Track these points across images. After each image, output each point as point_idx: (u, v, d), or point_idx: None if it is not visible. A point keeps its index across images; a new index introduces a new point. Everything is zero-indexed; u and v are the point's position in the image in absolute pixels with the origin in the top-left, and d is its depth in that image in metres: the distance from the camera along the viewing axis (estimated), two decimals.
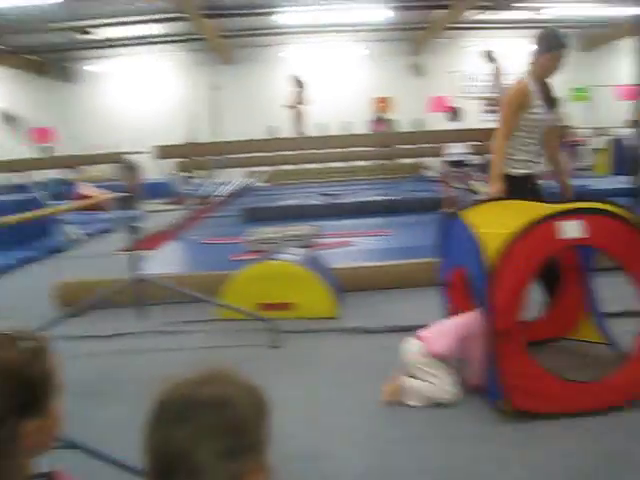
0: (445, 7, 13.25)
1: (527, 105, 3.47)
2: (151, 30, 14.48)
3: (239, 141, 8.61)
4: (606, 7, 13.53)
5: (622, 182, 8.40)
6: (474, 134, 8.54)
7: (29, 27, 12.51)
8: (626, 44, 12.42)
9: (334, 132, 13.43)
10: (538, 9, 13.90)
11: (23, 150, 12.35)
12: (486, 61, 10.95)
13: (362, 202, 9.35)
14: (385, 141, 10.16)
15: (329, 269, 4.51)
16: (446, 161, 8.45)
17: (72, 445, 2.10)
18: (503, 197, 3.43)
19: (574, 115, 13.30)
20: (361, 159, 12.54)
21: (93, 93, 16.69)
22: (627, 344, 2.81)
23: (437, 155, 8.82)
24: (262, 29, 15.15)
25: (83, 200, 9.41)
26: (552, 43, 3.43)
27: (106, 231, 8.64)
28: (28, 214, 6.68)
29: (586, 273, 3.22)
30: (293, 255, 4.38)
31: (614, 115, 14.04)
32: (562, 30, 3.56)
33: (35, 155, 12.31)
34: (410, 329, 2.98)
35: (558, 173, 3.90)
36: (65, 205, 8.24)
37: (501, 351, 2.44)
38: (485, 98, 13.86)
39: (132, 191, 10.33)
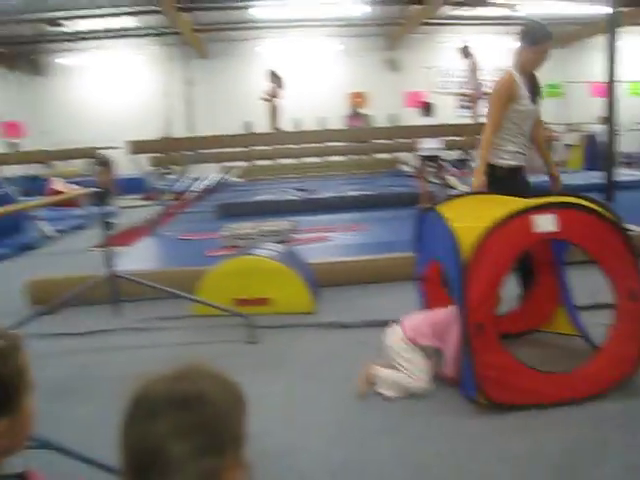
0: (421, 2, 13.30)
1: (515, 96, 3.50)
2: (124, 23, 14.28)
3: (214, 136, 8.53)
4: (579, 5, 13.71)
5: (594, 177, 8.56)
6: (450, 129, 8.60)
7: None
8: (598, 41, 12.60)
9: (310, 127, 13.41)
10: (513, 6, 14.04)
11: None
12: (462, 56, 11.02)
13: (338, 197, 9.34)
14: (361, 136, 10.17)
15: (306, 264, 4.50)
16: (420, 156, 8.48)
17: (46, 445, 2.07)
18: (485, 191, 3.46)
19: (548, 111, 13.46)
20: (337, 154, 12.54)
21: (65, 87, 16.39)
22: (599, 336, 2.87)
23: (413, 150, 8.86)
24: (238, 23, 15.04)
25: (55, 196, 9.26)
26: (537, 36, 3.47)
27: (79, 227, 8.53)
28: None
29: (559, 267, 3.27)
30: (269, 250, 4.37)
31: (587, 111, 14.26)
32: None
33: (2, 150, 12.10)
34: (387, 323, 2.99)
35: (547, 165, 3.95)
36: (37, 201, 8.10)
37: (476, 344, 2.46)
38: (461, 94, 13.98)
39: (105, 187, 10.20)
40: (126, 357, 3.43)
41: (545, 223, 2.53)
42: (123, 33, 15.09)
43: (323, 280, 4.45)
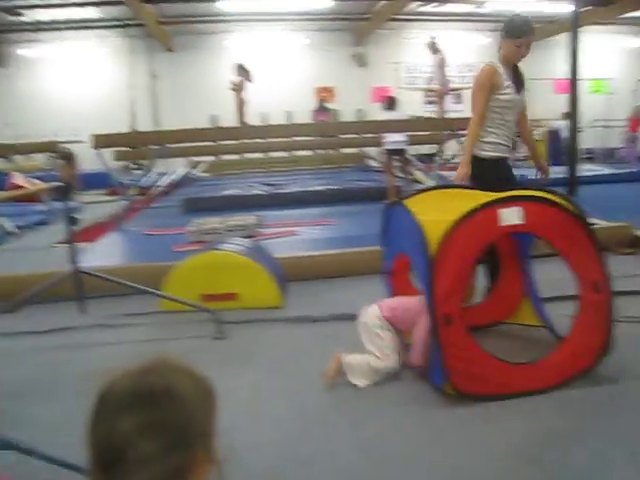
0: None
1: (497, 85, 3.53)
2: (87, 14, 14.00)
3: (181, 130, 8.44)
4: (544, 3, 13.93)
5: (558, 172, 8.70)
6: (417, 124, 8.66)
7: None
8: (562, 39, 12.83)
9: (277, 121, 13.36)
10: (480, 3, 14.19)
11: None
12: (430, 51, 11.08)
13: (305, 192, 9.35)
14: (328, 131, 10.18)
15: (273, 259, 4.49)
16: (385, 150, 8.51)
17: (8, 445, 2.02)
18: (467, 185, 3.49)
19: None
20: (304, 149, 12.52)
21: (27, 79, 15.96)
22: (563, 327, 2.92)
23: (380, 145, 8.89)
24: (204, 16, 14.88)
25: (16, 191, 9.06)
26: (520, 29, 3.53)
27: (41, 223, 8.32)
28: None
29: (525, 259, 3.32)
30: (236, 245, 4.34)
31: (551, 107, 14.51)
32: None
33: None
34: (354, 317, 3.00)
35: (533, 155, 3.99)
36: None
37: (444, 335, 2.48)
38: (427, 89, 14.08)
39: (68, 181, 10.00)
40: (91, 354, 3.37)
41: (511, 216, 2.56)
42: (86, 24, 14.80)
43: (290, 274, 4.44)
